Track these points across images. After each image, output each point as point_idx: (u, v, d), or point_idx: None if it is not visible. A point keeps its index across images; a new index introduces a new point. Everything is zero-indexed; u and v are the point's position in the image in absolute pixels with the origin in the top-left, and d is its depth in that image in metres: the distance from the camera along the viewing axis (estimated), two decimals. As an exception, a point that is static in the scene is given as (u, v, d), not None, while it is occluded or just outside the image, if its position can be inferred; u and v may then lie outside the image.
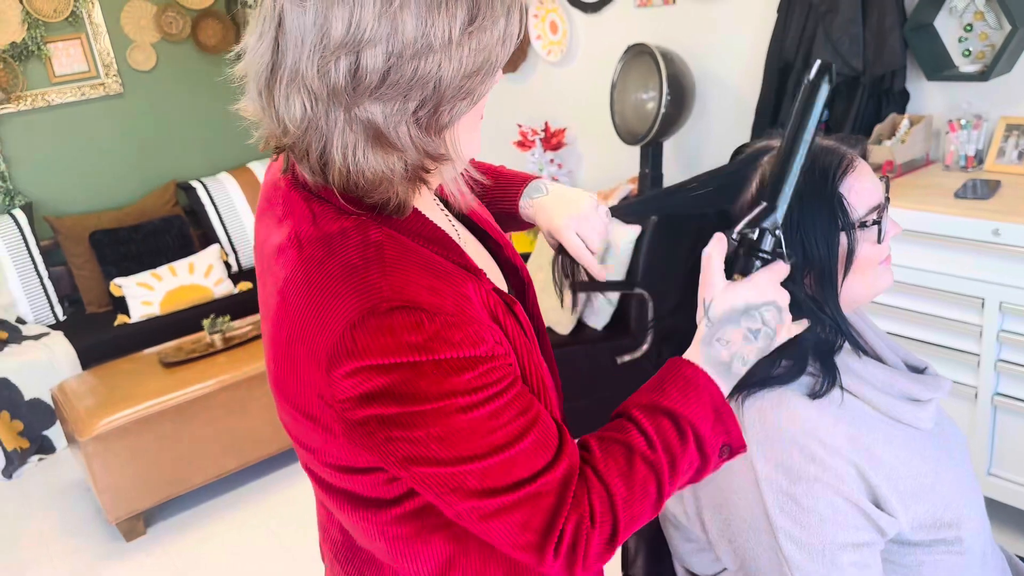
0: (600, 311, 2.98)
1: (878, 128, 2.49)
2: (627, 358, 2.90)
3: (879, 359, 1.10)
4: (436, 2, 0.68)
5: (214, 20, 4.46)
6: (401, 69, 0.68)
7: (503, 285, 0.97)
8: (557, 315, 2.93)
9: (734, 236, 0.91)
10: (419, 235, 0.79)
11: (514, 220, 1.16)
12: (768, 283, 0.88)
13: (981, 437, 2.21)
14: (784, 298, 0.88)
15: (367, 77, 0.68)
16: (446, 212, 0.95)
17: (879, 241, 1.01)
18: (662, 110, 2.97)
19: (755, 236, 0.90)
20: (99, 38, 4.15)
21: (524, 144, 3.73)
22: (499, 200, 1.15)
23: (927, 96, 2.53)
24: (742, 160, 1.04)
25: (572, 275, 1.13)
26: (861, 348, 1.04)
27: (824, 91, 0.88)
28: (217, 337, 3.13)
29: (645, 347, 2.91)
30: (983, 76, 2.26)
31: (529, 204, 1.12)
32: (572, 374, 2.89)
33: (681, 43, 3.17)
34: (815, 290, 1.00)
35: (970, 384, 2.19)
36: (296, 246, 0.77)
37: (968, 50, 2.38)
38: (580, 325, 2.99)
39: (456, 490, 0.74)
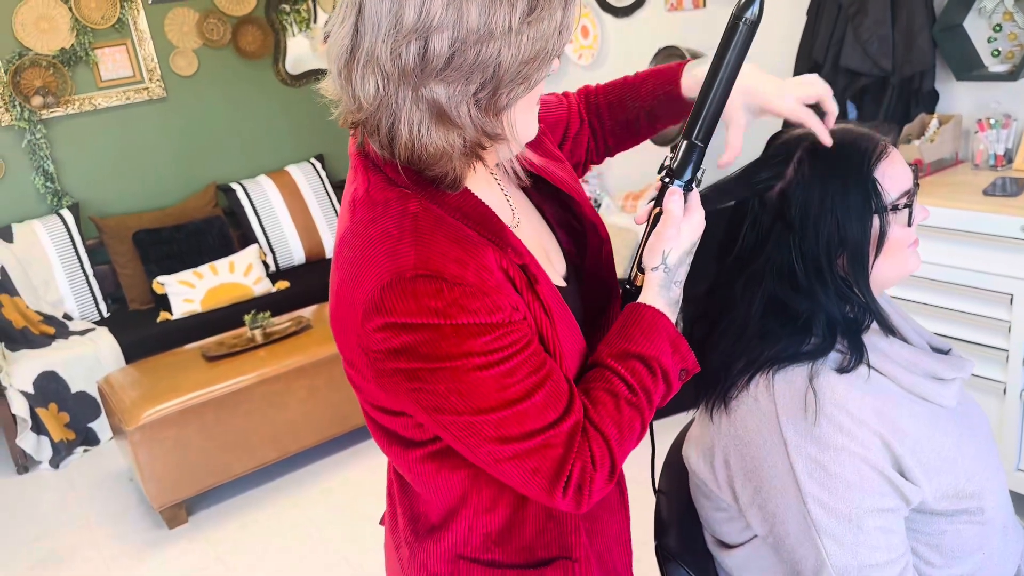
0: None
1: (907, 128, 2.52)
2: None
3: (904, 340, 1.14)
4: None
5: (254, 27, 4.59)
6: (464, 54, 0.75)
7: (559, 265, 1.02)
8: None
9: (663, 175, 0.98)
10: (458, 210, 0.86)
11: (674, 103, 1.16)
12: (699, 216, 0.97)
13: (1010, 432, 2.22)
14: (702, 220, 0.97)
15: (434, 60, 0.76)
16: (504, 190, 1.00)
17: (909, 224, 1.06)
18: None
19: (676, 166, 0.97)
20: (144, 44, 4.29)
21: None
22: (657, 90, 1.17)
23: (956, 96, 2.56)
24: (780, 144, 1.10)
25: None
26: (889, 328, 1.09)
27: (744, 30, 0.95)
28: (258, 332, 3.22)
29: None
30: (1012, 76, 2.28)
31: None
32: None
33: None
34: (847, 270, 1.05)
35: (999, 380, 2.21)
36: (352, 208, 0.87)
37: (997, 50, 2.41)
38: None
39: (475, 435, 0.83)
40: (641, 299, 0.96)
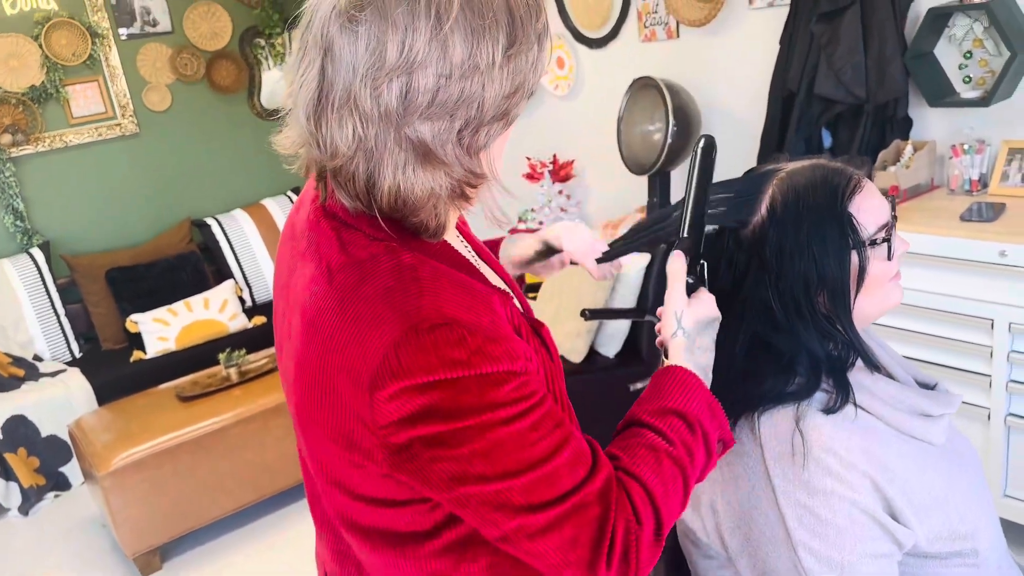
0: (612, 338, 3.01)
1: (883, 154, 2.53)
2: (639, 385, 2.91)
3: (890, 376, 1.12)
4: (480, 27, 0.73)
5: (228, 61, 4.56)
6: (449, 89, 0.73)
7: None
8: (570, 343, 2.96)
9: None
10: (447, 259, 0.82)
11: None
12: (713, 301, 0.98)
13: (996, 458, 2.21)
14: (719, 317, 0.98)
15: (418, 97, 0.72)
16: (466, 245, 0.99)
17: (889, 258, 1.04)
18: (668, 141, 3.02)
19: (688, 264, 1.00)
20: (116, 80, 4.25)
21: (533, 176, 3.78)
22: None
23: (929, 122, 2.57)
24: (749, 179, 1.08)
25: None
26: (873, 364, 1.06)
27: (705, 161, 1.01)
28: (233, 371, 3.16)
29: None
30: (984, 102, 2.30)
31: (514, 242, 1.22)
32: (584, 403, 2.89)
33: (685, 75, 3.23)
34: (828, 308, 1.03)
35: (983, 405, 2.20)
36: (326, 276, 0.79)
37: (968, 76, 2.43)
38: (592, 353, 3.01)
39: (502, 507, 0.75)
40: (670, 363, 0.93)
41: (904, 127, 2.59)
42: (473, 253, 0.99)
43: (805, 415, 1.01)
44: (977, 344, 2.17)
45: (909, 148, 2.49)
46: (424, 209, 0.78)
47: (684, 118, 3.05)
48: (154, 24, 4.35)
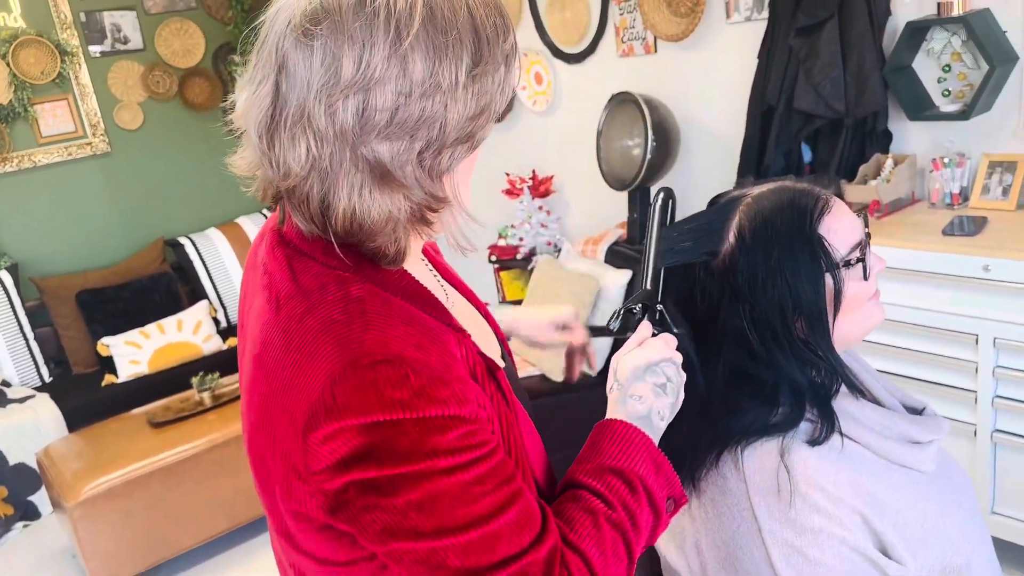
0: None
1: (863, 168, 2.51)
2: (622, 404, 2.87)
3: (876, 401, 1.08)
4: (443, 44, 0.69)
5: (201, 78, 4.50)
6: (409, 108, 0.69)
7: (495, 347, 0.96)
8: (552, 362, 2.91)
9: (614, 320, 1.01)
10: (402, 291, 0.78)
11: None
12: (661, 344, 0.94)
13: (982, 475, 2.18)
14: (677, 355, 0.94)
15: (375, 116, 0.69)
16: (434, 272, 0.94)
17: (865, 278, 1.00)
18: (648, 156, 3.00)
19: (640, 315, 0.99)
20: (86, 98, 4.18)
21: (512, 192, 3.75)
22: None
23: (909, 136, 2.56)
24: (715, 209, 1.04)
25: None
26: (858, 391, 1.03)
27: (663, 216, 1.04)
28: (206, 395, 3.09)
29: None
30: (964, 115, 2.29)
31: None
32: (565, 421, 2.85)
33: (664, 90, 3.20)
34: (806, 334, 0.99)
35: (969, 422, 2.17)
36: (274, 307, 0.76)
37: (948, 90, 2.41)
38: (573, 372, 2.96)
39: (437, 568, 0.70)
40: (607, 416, 0.89)
41: (884, 141, 2.57)
42: (441, 281, 0.94)
43: (790, 448, 0.97)
44: (962, 360, 2.14)
45: (889, 162, 2.48)
46: (382, 234, 0.73)
47: (663, 133, 3.03)
48: (125, 41, 4.29)
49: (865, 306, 1.02)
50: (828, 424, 0.98)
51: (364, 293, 0.74)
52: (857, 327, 1.02)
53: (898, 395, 1.13)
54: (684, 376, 0.92)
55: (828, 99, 2.52)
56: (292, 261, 0.77)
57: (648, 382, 0.90)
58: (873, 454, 1.00)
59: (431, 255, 0.98)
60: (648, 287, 0.99)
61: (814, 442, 0.97)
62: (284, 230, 0.80)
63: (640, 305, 0.99)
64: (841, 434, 0.99)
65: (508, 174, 3.84)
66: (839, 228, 0.98)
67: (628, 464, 0.82)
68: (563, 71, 3.65)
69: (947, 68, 2.39)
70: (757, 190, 1.03)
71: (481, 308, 1.02)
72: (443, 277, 0.97)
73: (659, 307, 0.99)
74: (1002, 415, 2.12)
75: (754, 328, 0.98)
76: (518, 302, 3.32)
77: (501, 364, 0.92)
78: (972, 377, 2.14)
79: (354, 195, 0.71)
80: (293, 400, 0.70)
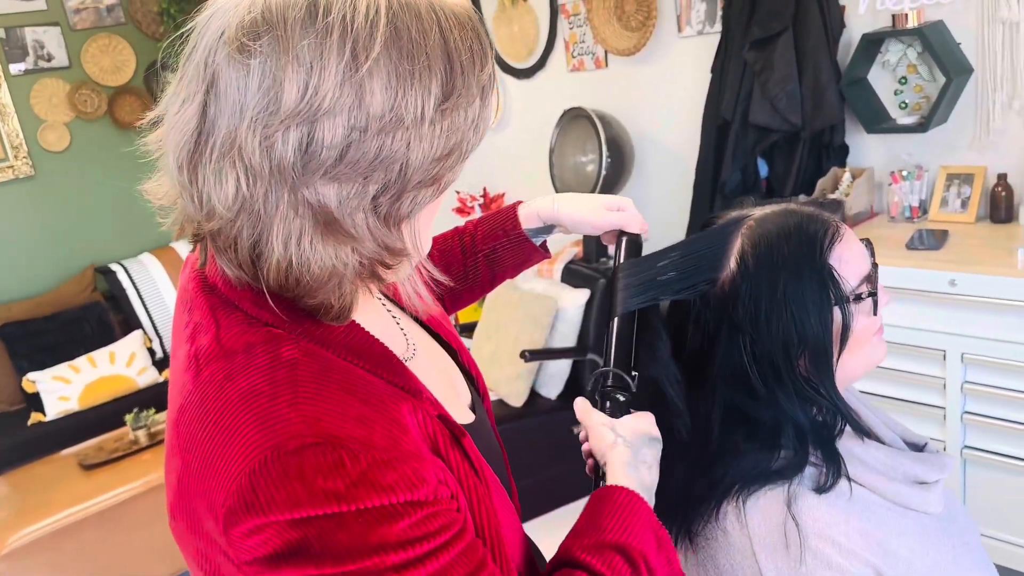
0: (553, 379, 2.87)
1: (821, 182, 2.48)
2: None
3: (877, 439, 1.01)
4: (408, 72, 0.58)
5: (132, 96, 4.29)
6: (364, 146, 0.58)
7: (465, 396, 0.85)
8: (509, 386, 2.80)
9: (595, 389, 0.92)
10: (347, 349, 0.66)
11: (518, 248, 1.06)
12: (654, 423, 0.88)
13: (953, 492, 2.14)
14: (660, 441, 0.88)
15: (322, 152, 0.57)
16: (394, 314, 0.83)
17: (874, 312, 0.93)
18: (603, 172, 2.93)
19: (602, 380, 0.92)
20: (7, 119, 3.94)
21: (463, 211, 3.65)
22: (495, 231, 1.06)
23: (866, 149, 2.54)
24: (713, 232, 0.95)
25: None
26: (863, 430, 0.95)
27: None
28: (141, 433, 2.90)
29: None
30: (922, 128, 2.27)
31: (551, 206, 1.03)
32: (527, 448, 2.76)
33: (616, 105, 3.15)
34: (809, 371, 0.91)
35: (938, 438, 2.14)
36: (194, 367, 0.64)
37: (904, 102, 2.40)
38: (533, 395, 2.87)
39: None
40: (609, 480, 0.79)
41: (841, 154, 2.55)
42: (401, 321, 0.82)
43: (797, 496, 0.89)
44: (930, 376, 2.11)
45: (847, 176, 2.45)
46: (323, 290, 0.62)
47: (617, 149, 2.96)
48: (49, 59, 4.06)
49: (871, 341, 0.94)
50: (834, 468, 0.91)
51: (298, 355, 0.62)
52: (861, 364, 0.95)
53: (897, 430, 1.06)
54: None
55: (784, 113, 2.48)
56: (216, 312, 0.66)
57: (654, 451, 0.82)
58: (880, 498, 0.92)
59: (397, 294, 0.86)
60: (610, 366, 0.92)
61: (821, 489, 0.90)
62: (207, 272, 0.68)
63: (605, 374, 0.91)
64: (848, 479, 0.91)
65: (458, 192, 3.74)
66: (850, 258, 0.91)
67: (631, 539, 0.72)
68: (513, 87, 3.57)
69: (903, 80, 2.38)
70: (759, 212, 0.95)
71: (452, 342, 0.90)
72: (403, 308, 0.85)
73: (634, 374, 0.92)
74: (971, 431, 2.09)
75: (755, 365, 0.90)
76: (472, 325, 3.21)
77: (470, 417, 0.81)
78: (940, 393, 2.11)
79: (291, 245, 0.59)
80: (211, 485, 0.59)
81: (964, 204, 2.30)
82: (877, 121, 2.39)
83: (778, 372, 0.90)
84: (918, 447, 1.05)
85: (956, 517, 1.00)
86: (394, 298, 0.86)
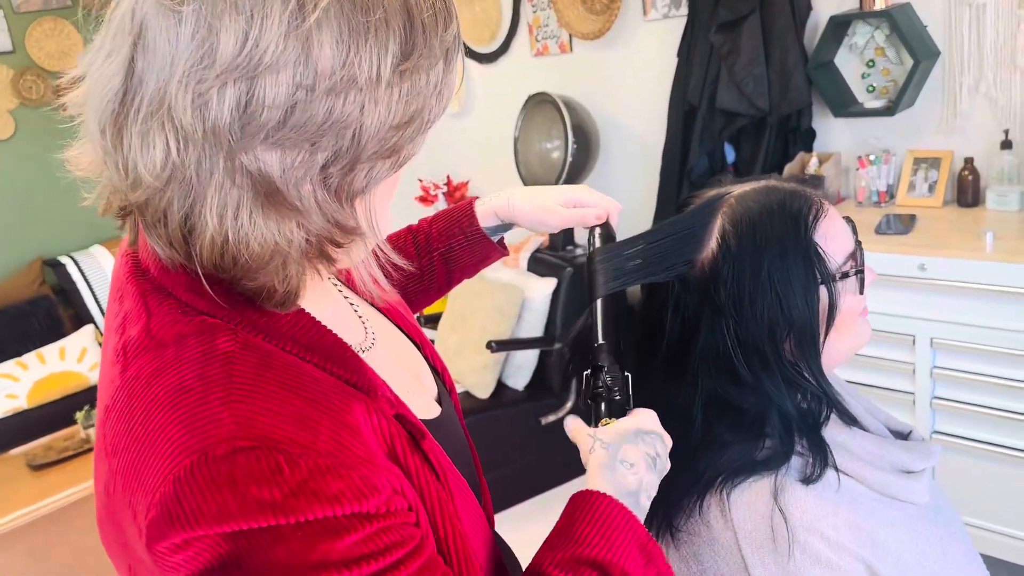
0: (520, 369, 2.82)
1: (788, 167, 2.46)
2: (551, 418, 2.75)
3: (861, 427, 0.97)
4: (363, 26, 0.52)
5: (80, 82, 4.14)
6: (311, 108, 0.51)
7: (430, 389, 0.79)
8: (476, 377, 2.75)
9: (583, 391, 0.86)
10: (293, 340, 0.59)
11: (476, 246, 1.01)
12: (651, 418, 0.80)
13: (935, 481, 2.14)
14: (665, 433, 0.80)
15: (263, 113, 0.51)
16: (351, 300, 0.76)
17: (860, 291, 0.90)
18: (569, 159, 2.88)
19: (608, 382, 0.84)
20: (-53, 106, 3.77)
21: (426, 199, 3.57)
22: (451, 228, 1.01)
23: (833, 133, 2.52)
24: (694, 212, 0.91)
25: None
26: (850, 417, 0.92)
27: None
28: (93, 431, 2.78)
29: (569, 405, 2.76)
30: (889, 111, 2.25)
31: (504, 202, 0.99)
32: (494, 440, 2.71)
33: (581, 90, 3.10)
34: (796, 355, 0.87)
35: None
36: (122, 362, 0.58)
37: (872, 86, 2.38)
38: (500, 387, 2.81)
39: None
40: (587, 485, 0.72)
41: (808, 139, 2.53)
42: (357, 306, 0.76)
43: (784, 488, 0.85)
44: (899, 361, 2.10)
45: (814, 160, 2.43)
46: (264, 271, 0.55)
47: (583, 135, 2.92)
48: (-10, 43, 3.89)
49: (856, 322, 0.91)
50: (821, 457, 0.87)
51: (235, 347, 0.56)
52: (846, 346, 0.92)
53: (881, 417, 1.03)
54: (667, 463, 0.77)
55: (751, 97, 2.45)
56: (148, 300, 0.59)
57: (640, 449, 0.74)
58: (867, 489, 0.89)
59: (350, 277, 0.80)
60: (602, 341, 0.86)
61: (808, 480, 0.86)
62: (139, 255, 0.62)
63: (611, 378, 0.84)
64: (836, 469, 0.87)
65: (421, 180, 3.66)
66: (835, 235, 0.87)
67: (611, 555, 0.65)
68: (476, 71, 3.50)
69: (871, 63, 2.36)
70: (739, 190, 0.91)
71: (414, 335, 0.84)
72: (356, 291, 0.79)
73: (626, 374, 0.85)
74: (940, 416, 2.08)
75: (740, 349, 0.86)
76: (437, 316, 3.14)
77: (436, 411, 0.75)
78: (909, 379, 2.10)
79: (227, 218, 0.53)
80: (136, 492, 0.53)
81: (931, 188, 2.29)
82: (844, 105, 2.37)
83: (763, 356, 0.86)
84: (902, 435, 1.02)
85: (941, 507, 0.98)
86: (349, 284, 0.79)
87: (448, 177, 3.60)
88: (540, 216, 0.97)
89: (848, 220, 0.94)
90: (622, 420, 0.78)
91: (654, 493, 0.75)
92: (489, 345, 2.56)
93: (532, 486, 2.75)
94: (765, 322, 0.85)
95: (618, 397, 0.82)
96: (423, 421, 0.65)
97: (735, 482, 0.86)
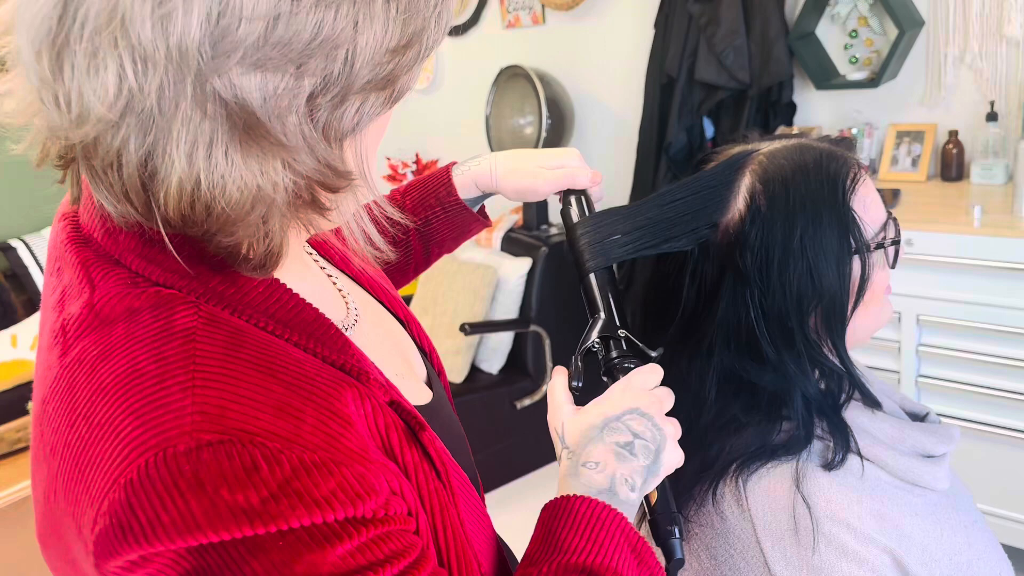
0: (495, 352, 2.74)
1: (770, 142, 2.40)
2: (527, 402, 2.67)
3: (881, 410, 0.91)
4: None
5: (27, 57, 3.96)
6: (297, 21, 0.42)
7: (419, 371, 0.70)
8: (449, 361, 2.66)
9: (578, 360, 0.76)
10: (266, 314, 0.51)
11: (455, 218, 0.91)
12: (623, 391, 0.69)
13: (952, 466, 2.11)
14: (649, 401, 0.68)
15: (239, 27, 0.41)
16: (328, 272, 0.67)
17: (892, 265, 0.83)
18: (543, 135, 2.79)
19: (603, 350, 0.77)
20: None
21: (395, 178, 3.46)
22: (427, 199, 0.91)
23: (815, 106, 2.47)
24: (720, 169, 0.83)
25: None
26: (874, 400, 0.86)
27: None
28: (47, 422, 2.67)
29: (545, 388, 2.69)
30: (872, 83, 2.20)
31: (486, 169, 0.89)
32: (468, 425, 2.63)
33: (555, 63, 3.01)
34: (821, 330, 0.81)
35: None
36: (61, 344, 0.49)
37: (855, 57, 2.32)
38: (474, 370, 2.73)
39: None
40: (559, 492, 0.64)
41: (788, 113, 2.47)
42: (336, 278, 0.67)
43: (805, 475, 0.78)
44: (884, 339, 2.06)
45: (796, 134, 2.37)
46: (243, 223, 0.46)
47: (557, 110, 2.83)
48: (-70, 13, 3.69)
49: (882, 299, 0.85)
50: (843, 442, 0.80)
51: (197, 322, 0.47)
52: (870, 324, 0.86)
53: (896, 398, 0.97)
54: (670, 429, 0.67)
55: (732, 69, 2.38)
56: (91, 270, 0.50)
57: (607, 442, 0.65)
58: (888, 475, 0.83)
59: (327, 247, 0.71)
60: (601, 314, 0.78)
61: (829, 465, 0.79)
62: (81, 217, 0.52)
63: (599, 340, 0.76)
64: (860, 455, 0.80)
65: (389, 158, 3.56)
66: (871, 204, 0.81)
67: (600, 559, 0.57)
68: (445, 44, 3.39)
69: (854, 34, 2.30)
70: (767, 147, 0.83)
71: (399, 311, 0.75)
72: (337, 266, 0.70)
73: (622, 334, 0.77)
74: (926, 395, 2.04)
75: (764, 322, 0.79)
76: (407, 299, 3.04)
77: (427, 396, 0.67)
78: (895, 357, 2.06)
79: (198, 157, 0.43)
80: (80, 501, 0.44)
81: (915, 162, 2.25)
82: (827, 77, 2.31)
83: (788, 331, 0.80)
84: (919, 417, 0.96)
85: (960, 492, 0.92)
86: (326, 255, 0.70)
87: (417, 155, 3.49)
88: (528, 184, 0.87)
89: (881, 192, 0.88)
90: (587, 411, 0.68)
91: (639, 480, 0.65)
92: (463, 328, 2.48)
93: (507, 472, 2.68)
94: (794, 292, 0.78)
95: (630, 364, 0.73)
96: (416, 408, 0.57)
97: (752, 468, 0.79)
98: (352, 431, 0.47)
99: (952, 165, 2.17)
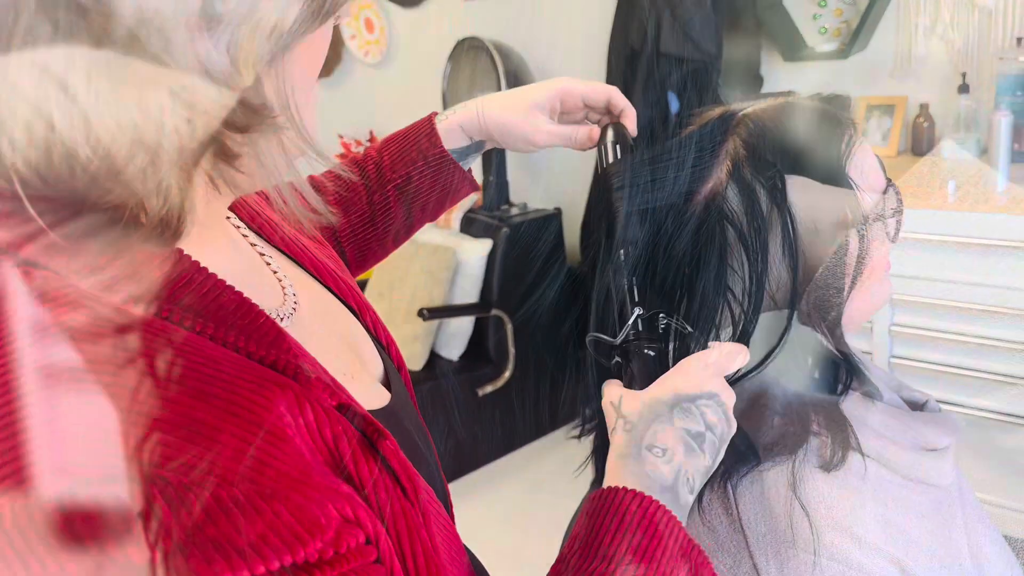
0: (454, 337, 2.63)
1: (737, 116, 2.32)
2: (489, 389, 2.58)
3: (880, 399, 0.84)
4: None
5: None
6: None
7: (376, 363, 0.59)
8: (407, 349, 2.55)
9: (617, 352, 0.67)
10: (169, 300, 0.40)
11: (439, 173, 0.80)
12: (703, 367, 0.61)
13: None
14: (727, 390, 0.61)
15: None
16: (261, 249, 0.56)
17: (894, 238, 0.75)
18: (502, 109, 2.68)
19: (642, 329, 0.67)
20: None
21: (347, 156, 3.32)
22: (408, 152, 0.80)
23: (783, 79, 2.39)
24: (702, 132, 0.74)
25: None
26: (873, 387, 0.78)
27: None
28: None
29: (508, 374, 2.60)
30: (843, 54, 2.12)
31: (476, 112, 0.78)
32: (428, 415, 2.53)
33: (514, 35, 2.89)
34: (815, 310, 0.74)
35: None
36: None
37: (824, 27, 2.25)
38: (433, 357, 2.63)
39: None
40: (607, 481, 0.54)
41: (755, 86, 2.39)
42: (268, 256, 0.56)
43: (802, 478, 0.70)
44: (856, 319, 2.00)
45: (764, 108, 2.29)
46: (123, 175, 0.34)
47: (517, 84, 2.71)
48: None
49: (883, 275, 0.77)
50: (841, 438, 0.72)
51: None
52: (870, 304, 0.79)
53: (893, 385, 0.89)
54: (732, 429, 0.59)
55: (697, 40, 2.29)
56: None
57: (677, 427, 0.55)
58: (890, 472, 0.75)
59: (262, 221, 0.59)
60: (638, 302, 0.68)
61: (828, 466, 0.71)
62: None
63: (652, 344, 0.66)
64: (861, 452, 0.72)
65: (341, 136, 3.41)
66: (868, 168, 0.74)
67: (651, 570, 0.48)
68: (398, 16, 3.25)
69: (823, 3, 2.22)
70: (751, 108, 0.74)
71: (352, 298, 0.64)
72: (272, 242, 0.59)
73: (660, 315, 0.68)
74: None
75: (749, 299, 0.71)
76: (362, 283, 2.92)
77: (385, 397, 0.56)
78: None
79: (48, 87, 0.32)
80: None
81: (885, 137, 2.18)
82: (795, 49, 2.24)
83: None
84: (918, 405, 0.89)
85: (962, 485, 0.85)
86: (260, 231, 0.58)
87: (371, 133, 3.36)
88: (523, 131, 0.77)
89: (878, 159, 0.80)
90: (655, 384, 0.59)
91: (699, 483, 0.56)
92: (421, 313, 2.37)
93: (469, 462, 2.59)
94: (786, 266, 0.71)
95: (650, 351, 0.64)
96: (371, 412, 0.46)
97: (741, 472, 0.71)
98: (286, 449, 0.36)
99: (923, 139, 2.11)
